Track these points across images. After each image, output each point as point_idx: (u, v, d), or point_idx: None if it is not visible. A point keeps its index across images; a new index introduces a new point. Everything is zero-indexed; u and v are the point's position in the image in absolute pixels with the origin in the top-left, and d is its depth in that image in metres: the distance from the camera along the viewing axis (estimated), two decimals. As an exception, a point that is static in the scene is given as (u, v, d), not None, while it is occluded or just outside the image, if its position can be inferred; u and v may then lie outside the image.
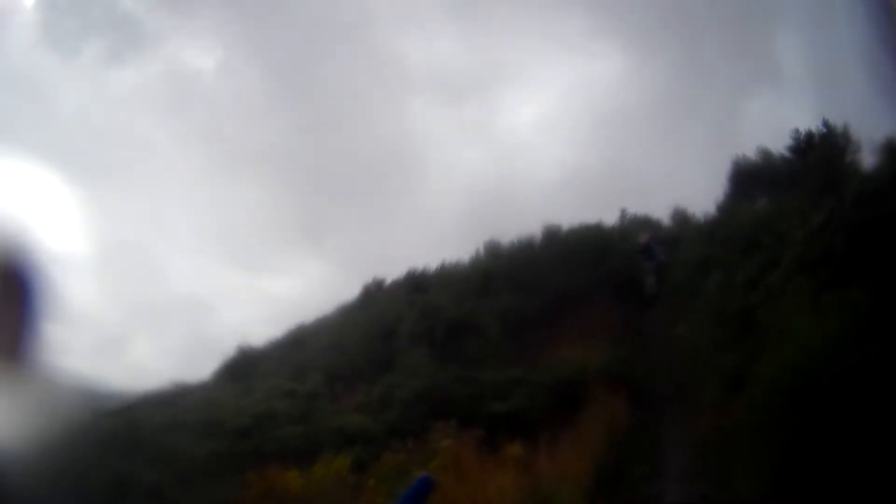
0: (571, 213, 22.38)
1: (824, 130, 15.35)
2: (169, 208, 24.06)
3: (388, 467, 12.28)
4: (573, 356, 16.12)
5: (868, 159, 12.69)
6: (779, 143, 17.38)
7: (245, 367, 19.89)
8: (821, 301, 9.44)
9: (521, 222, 22.73)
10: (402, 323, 19.68)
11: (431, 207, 26.59)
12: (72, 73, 26.81)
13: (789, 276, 11.42)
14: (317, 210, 26.43)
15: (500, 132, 29.60)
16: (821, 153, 14.81)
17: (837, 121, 14.86)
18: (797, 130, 16.22)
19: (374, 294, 22.62)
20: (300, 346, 20.72)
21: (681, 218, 22.53)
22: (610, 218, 22.81)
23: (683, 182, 23.15)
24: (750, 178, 19.17)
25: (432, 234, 24.65)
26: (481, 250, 22.79)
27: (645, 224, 22.51)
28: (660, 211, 22.84)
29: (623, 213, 23.11)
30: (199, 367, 19.53)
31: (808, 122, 15.97)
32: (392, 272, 22.81)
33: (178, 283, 23.90)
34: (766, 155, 19.02)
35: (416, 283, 22.00)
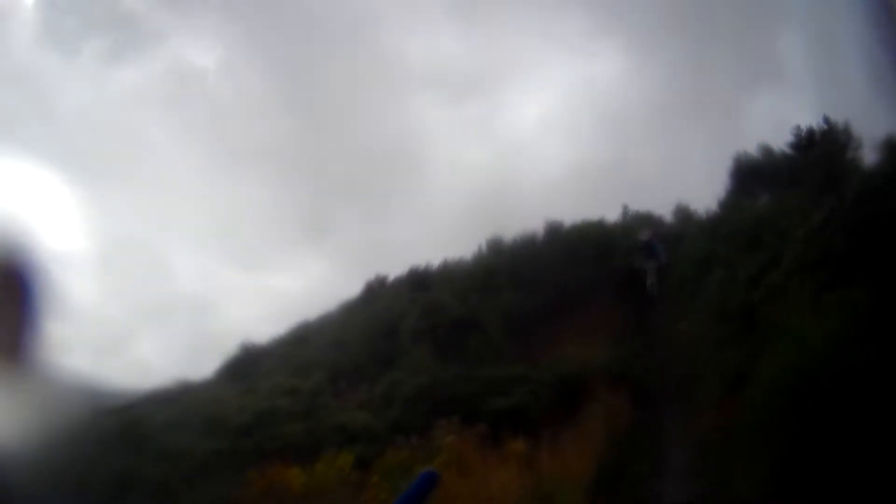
0: (573, 210, 22.35)
1: (825, 127, 15.38)
2: (171, 206, 24.00)
3: (391, 464, 12.30)
4: (575, 353, 16.13)
5: (869, 156, 12.72)
6: (780, 140, 17.41)
7: (247, 364, 19.91)
8: (821, 300, 9.45)
9: (524, 219, 22.69)
10: (405, 320, 19.69)
11: (434, 205, 26.52)
12: (72, 72, 26.73)
13: (790, 275, 11.43)
14: (319, 208, 26.38)
15: (502, 130, 29.50)
16: (822, 150, 14.83)
17: (838, 118, 14.90)
18: (798, 127, 16.24)
19: (377, 291, 22.63)
20: (303, 343, 20.74)
21: (683, 215, 22.53)
22: (612, 215, 22.84)
23: (685, 179, 23.07)
24: (751, 175, 19.15)
25: (435, 231, 24.58)
26: (484, 247, 22.79)
27: (647, 221, 22.48)
28: (662, 207, 22.84)
29: (625, 209, 23.12)
30: (202, 364, 19.54)
31: (810, 119, 16.00)
32: (394, 269, 22.82)
33: (180, 282, 23.87)
34: (767, 152, 18.98)
35: (418, 281, 22.01)
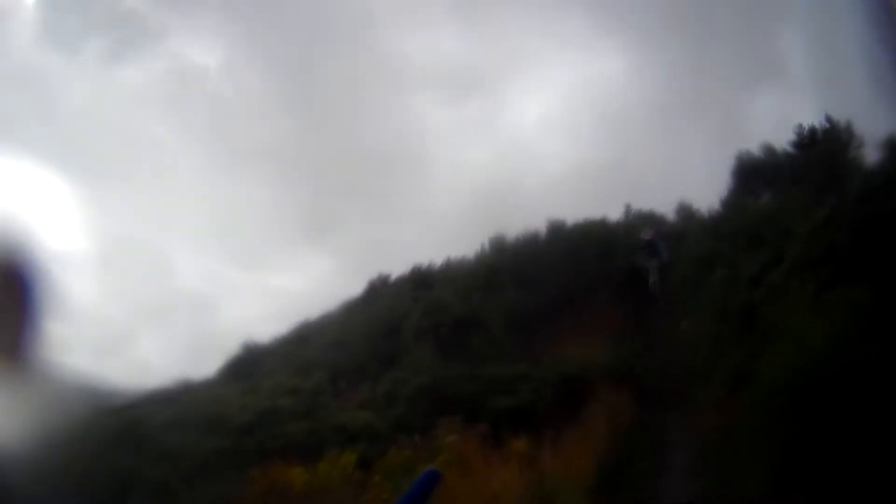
0: (576, 209, 22.38)
1: (827, 126, 15.39)
2: (173, 206, 24.02)
3: (394, 464, 12.29)
4: (577, 352, 16.15)
5: (871, 155, 12.72)
6: (782, 139, 17.43)
7: (249, 364, 19.94)
8: (823, 299, 9.45)
9: (526, 218, 22.74)
10: (407, 319, 19.72)
11: (436, 204, 26.54)
12: (73, 71, 26.74)
13: (791, 274, 11.42)
14: (321, 207, 26.40)
15: (504, 129, 29.52)
16: (824, 149, 14.84)
17: (840, 117, 14.91)
18: (800, 126, 16.26)
19: (379, 290, 22.66)
20: (304, 342, 20.76)
21: (685, 213, 22.54)
22: (615, 213, 22.86)
23: (688, 177, 23.09)
24: (754, 174, 19.15)
25: (437, 230, 24.60)
26: (486, 246, 22.84)
27: (649, 219, 22.49)
28: (664, 206, 22.86)
29: (628, 208, 23.15)
30: (203, 364, 19.56)
31: (812, 117, 16.01)
32: (397, 268, 22.86)
33: (182, 281, 23.90)
34: (769, 150, 19.00)
35: (420, 280, 22.04)
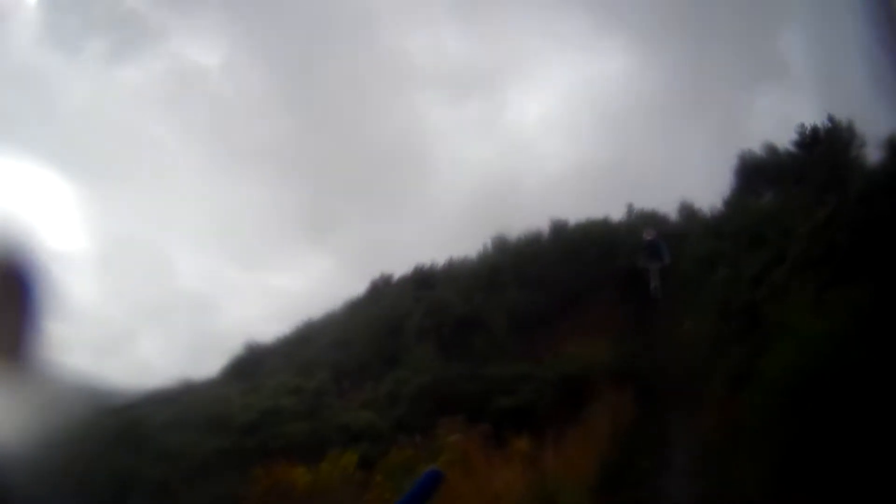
0: (578, 209, 22.42)
1: (829, 126, 15.39)
2: (173, 206, 24.14)
3: (396, 463, 12.30)
4: (579, 352, 16.16)
5: (873, 155, 12.71)
6: (784, 139, 17.44)
7: (252, 363, 19.98)
8: (824, 298, 9.44)
9: (528, 218, 22.79)
10: (409, 319, 19.74)
11: (438, 203, 26.64)
12: (74, 71, 26.88)
13: (793, 273, 11.42)
14: (323, 206, 26.50)
15: (507, 128, 29.64)
16: (826, 148, 14.83)
17: (842, 116, 14.91)
18: (802, 125, 16.27)
19: (382, 290, 22.70)
20: (307, 342, 20.81)
21: (688, 213, 22.55)
22: (617, 213, 22.88)
23: (690, 177, 23.15)
24: (756, 173, 19.16)
25: (439, 229, 24.70)
26: (488, 246, 22.87)
27: (651, 219, 22.50)
28: (666, 206, 22.88)
29: (630, 208, 23.15)
30: (205, 364, 19.62)
31: (814, 117, 16.02)
32: (399, 268, 22.90)
33: (184, 281, 24.00)
34: (771, 150, 19.01)
35: (423, 279, 22.07)
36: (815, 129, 15.88)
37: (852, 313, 8.52)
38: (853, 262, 9.48)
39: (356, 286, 22.75)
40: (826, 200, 11.83)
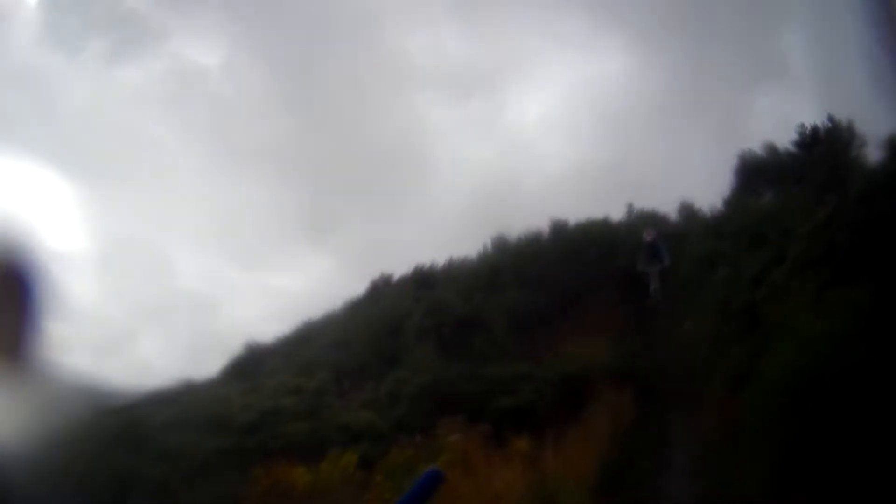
0: (578, 209, 22.43)
1: (829, 126, 15.39)
2: (174, 206, 24.15)
3: (396, 463, 12.30)
4: (579, 352, 16.17)
5: (873, 155, 12.72)
6: (784, 138, 17.44)
7: (252, 363, 19.99)
8: (824, 298, 9.44)
9: (528, 218, 22.80)
10: (410, 319, 19.75)
11: (438, 203, 26.66)
12: (74, 71, 26.89)
13: (793, 273, 11.42)
14: (324, 206, 26.51)
15: (507, 128, 29.65)
16: (826, 148, 14.83)
17: (842, 116, 14.91)
18: (802, 125, 16.28)
19: (382, 290, 22.71)
20: (307, 342, 20.81)
21: (688, 213, 22.54)
22: (617, 213, 22.88)
23: (690, 177, 23.17)
24: (756, 173, 19.15)
25: (439, 229, 24.71)
26: (488, 246, 22.88)
27: (651, 219, 22.49)
28: (666, 206, 22.88)
29: (630, 207, 23.15)
30: (205, 364, 19.63)
31: (814, 117, 16.02)
32: (399, 268, 22.91)
33: (184, 281, 24.01)
34: (771, 150, 19.01)
35: (423, 279, 22.08)
36: (815, 129, 15.89)
37: (852, 313, 8.51)
38: (853, 262, 9.48)
39: (356, 286, 22.79)
40: (826, 200, 11.83)
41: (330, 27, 28.76)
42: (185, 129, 26.55)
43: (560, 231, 22.36)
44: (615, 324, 17.59)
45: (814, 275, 10.54)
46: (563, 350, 16.52)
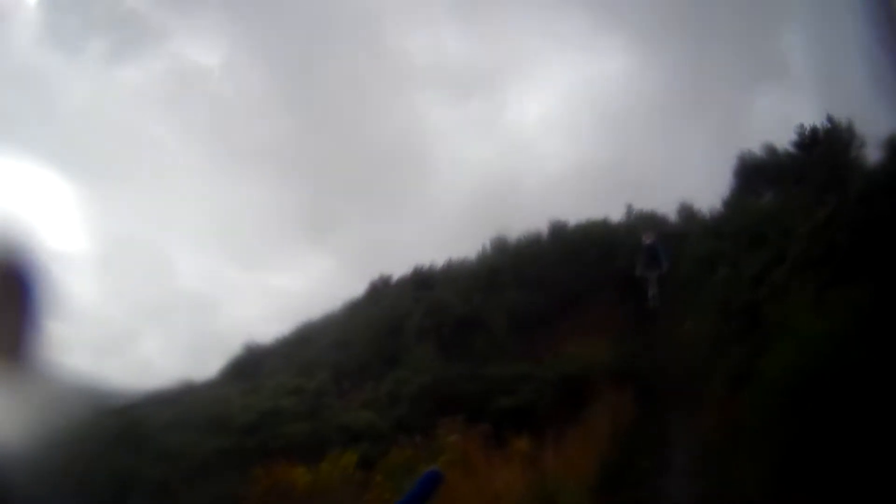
0: (577, 209, 22.44)
1: (829, 126, 15.40)
2: (174, 206, 24.15)
3: (396, 463, 12.29)
4: (579, 352, 16.17)
5: (872, 155, 12.72)
6: (784, 139, 17.44)
7: (251, 364, 19.99)
8: (824, 298, 9.44)
9: (528, 218, 22.80)
10: (409, 319, 19.75)
11: (437, 204, 26.66)
12: (74, 71, 26.90)
13: (793, 273, 11.42)
14: (323, 207, 26.51)
15: (506, 128, 29.64)
16: (825, 149, 14.84)
17: (841, 116, 14.91)
18: (802, 126, 16.28)
19: (381, 291, 22.70)
20: (307, 343, 20.81)
21: (687, 213, 22.54)
22: (616, 214, 22.88)
23: (689, 177, 23.18)
24: (755, 174, 19.15)
25: (438, 230, 24.72)
26: (487, 247, 22.88)
27: (650, 219, 22.49)
28: (666, 206, 22.88)
29: (629, 208, 23.15)
30: (205, 364, 19.62)
31: (813, 117, 16.03)
32: (398, 269, 22.91)
33: (183, 281, 24.01)
34: (771, 150, 19.00)
35: (422, 280, 22.08)
36: (814, 130, 15.90)
37: (852, 313, 8.52)
38: (853, 262, 9.48)
39: (356, 286, 22.78)
40: (826, 200, 11.83)
41: (330, 27, 28.78)
42: (185, 129, 26.57)
43: (559, 232, 22.37)
44: (615, 324, 17.60)
45: (814, 275, 10.54)
46: (562, 350, 16.52)
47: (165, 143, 25.47)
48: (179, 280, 23.93)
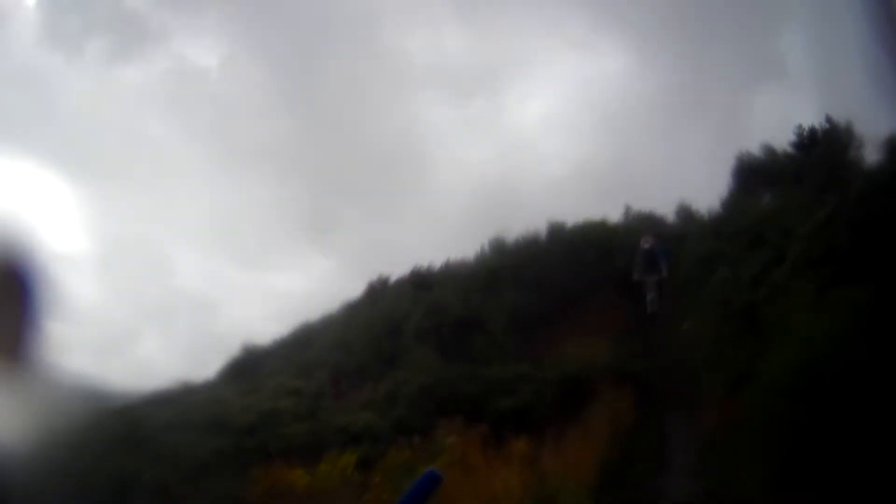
0: (576, 210, 22.40)
1: (827, 126, 15.40)
2: (173, 206, 24.08)
3: (394, 464, 12.30)
4: (579, 352, 16.15)
5: (871, 155, 12.72)
6: (783, 139, 17.42)
7: (250, 365, 19.92)
8: (824, 298, 9.45)
9: (526, 219, 22.77)
10: (408, 320, 19.70)
11: (436, 204, 26.58)
12: (74, 71, 26.78)
13: (793, 273, 11.43)
14: (322, 207, 26.43)
15: (505, 129, 29.57)
16: (824, 149, 14.84)
17: (840, 117, 14.91)
18: (801, 126, 16.27)
19: (380, 292, 22.65)
20: (305, 344, 20.75)
21: (685, 214, 22.53)
22: (615, 214, 22.85)
23: (688, 178, 23.12)
24: (754, 174, 19.13)
25: (437, 231, 24.64)
26: (486, 247, 22.84)
27: (649, 220, 22.47)
28: (664, 207, 22.86)
29: (627, 209, 23.12)
30: (204, 365, 19.57)
31: (812, 118, 16.02)
32: (397, 269, 22.84)
33: (182, 282, 23.95)
34: (769, 151, 18.98)
35: (421, 281, 22.02)
36: (813, 130, 15.89)
37: (852, 313, 8.53)
38: (853, 262, 9.49)
39: (354, 287, 22.71)
40: (826, 201, 11.85)
41: (330, 27, 28.70)
42: (185, 129, 26.47)
43: (558, 233, 22.33)
44: (614, 324, 17.57)
45: (814, 275, 10.56)
46: (562, 351, 16.51)
47: (165, 143, 25.39)
48: (179, 280, 23.87)
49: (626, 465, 11.63)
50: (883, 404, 7.08)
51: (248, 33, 29.97)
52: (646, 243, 19.04)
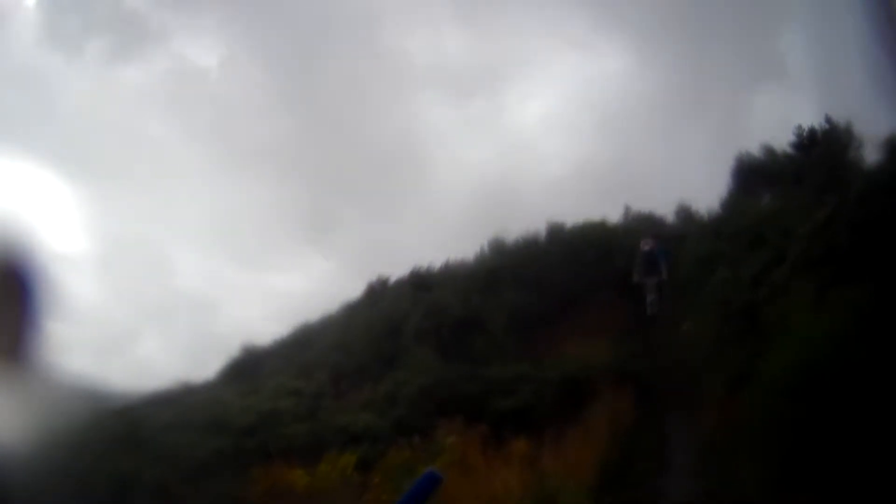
0: (575, 210, 22.39)
1: (827, 127, 15.39)
2: (174, 206, 24.09)
3: (394, 464, 12.30)
4: (579, 353, 16.15)
5: (871, 155, 12.72)
6: (782, 140, 17.42)
7: (250, 365, 19.91)
8: (824, 298, 9.45)
9: (526, 219, 22.76)
10: (408, 321, 19.69)
11: (436, 204, 26.58)
12: (74, 71, 26.79)
13: (793, 273, 11.43)
14: (321, 207, 26.42)
15: (505, 129, 29.57)
16: (824, 149, 14.84)
17: (840, 117, 14.91)
18: (800, 127, 16.26)
19: (379, 292, 22.64)
20: (305, 344, 20.75)
21: (685, 214, 22.52)
22: (614, 215, 22.84)
23: (687, 178, 23.13)
24: (754, 175, 19.11)
25: (437, 231, 24.63)
26: (486, 248, 22.83)
27: (648, 220, 22.47)
28: (664, 207, 22.86)
29: (627, 210, 23.11)
30: (204, 365, 19.56)
31: (811, 118, 16.02)
32: (396, 270, 22.83)
33: (182, 282, 23.96)
34: (769, 151, 18.97)
35: (420, 281, 22.01)
36: (813, 131, 15.89)
37: (852, 313, 8.53)
38: (853, 262, 9.49)
39: (354, 287, 22.70)
40: (825, 201, 11.84)
41: (330, 27, 28.71)
42: (185, 129, 26.47)
43: (557, 233, 22.32)
44: (614, 325, 17.57)
45: (814, 275, 10.55)
46: (562, 351, 16.50)
47: (165, 143, 25.40)
48: (179, 280, 23.87)
49: (626, 465, 11.63)
50: (883, 404, 7.08)
51: (247, 33, 30.02)
52: (646, 245, 19.00)
